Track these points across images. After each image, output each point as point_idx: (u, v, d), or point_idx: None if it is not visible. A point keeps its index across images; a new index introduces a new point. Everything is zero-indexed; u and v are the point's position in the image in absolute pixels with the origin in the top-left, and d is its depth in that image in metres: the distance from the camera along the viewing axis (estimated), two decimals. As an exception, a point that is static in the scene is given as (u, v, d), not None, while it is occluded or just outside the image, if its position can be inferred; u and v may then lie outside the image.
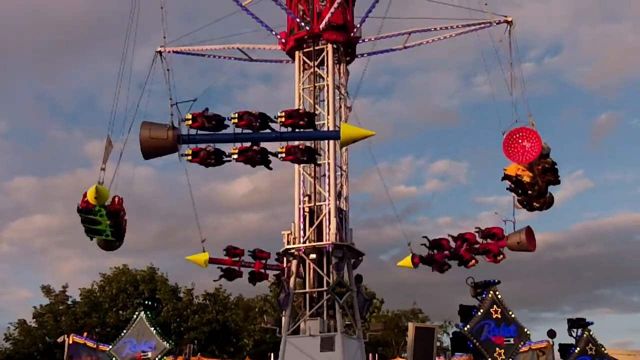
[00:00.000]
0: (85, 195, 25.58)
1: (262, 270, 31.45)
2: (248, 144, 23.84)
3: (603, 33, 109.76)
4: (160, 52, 31.23)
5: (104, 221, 26.19)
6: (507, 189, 26.74)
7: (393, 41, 32.71)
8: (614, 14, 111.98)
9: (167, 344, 31.73)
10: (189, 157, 24.26)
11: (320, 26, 30.71)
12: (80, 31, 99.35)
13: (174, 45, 31.99)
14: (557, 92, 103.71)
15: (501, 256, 30.27)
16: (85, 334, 35.90)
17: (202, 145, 24.22)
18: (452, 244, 30.43)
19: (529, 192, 26.31)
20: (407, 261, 30.16)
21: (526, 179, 25.89)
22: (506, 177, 26.26)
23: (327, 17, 30.59)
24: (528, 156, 24.40)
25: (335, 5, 30.56)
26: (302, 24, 30.97)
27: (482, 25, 30.72)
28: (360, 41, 32.09)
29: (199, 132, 23.64)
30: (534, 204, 26.70)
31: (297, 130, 23.67)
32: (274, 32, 31.75)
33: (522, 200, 26.93)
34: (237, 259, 31.31)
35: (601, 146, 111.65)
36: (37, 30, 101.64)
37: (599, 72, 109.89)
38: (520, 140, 24.19)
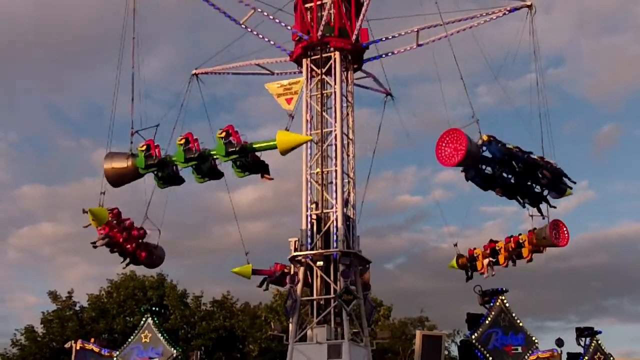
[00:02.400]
0: (234, 130, 27.44)
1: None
2: None
3: (605, 45, 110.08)
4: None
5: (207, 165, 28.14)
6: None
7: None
8: (616, 26, 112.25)
9: (174, 350, 31.75)
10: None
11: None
12: (88, 43, 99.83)
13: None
14: (560, 104, 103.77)
15: None
16: (92, 339, 35.84)
17: None
18: None
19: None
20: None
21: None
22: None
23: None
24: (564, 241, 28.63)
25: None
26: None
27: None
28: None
29: None
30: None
31: None
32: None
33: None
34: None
35: (604, 157, 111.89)
36: (46, 42, 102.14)
37: (601, 83, 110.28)
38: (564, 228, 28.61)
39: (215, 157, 28.17)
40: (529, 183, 27.18)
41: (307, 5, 31.87)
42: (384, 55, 32.77)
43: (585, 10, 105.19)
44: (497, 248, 30.15)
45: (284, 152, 26.62)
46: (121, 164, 28.79)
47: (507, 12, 30.58)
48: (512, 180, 26.89)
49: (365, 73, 33.81)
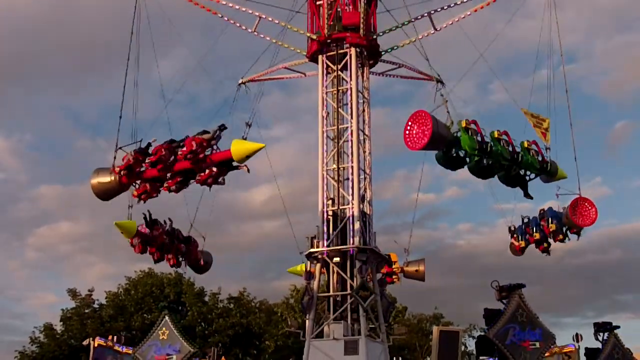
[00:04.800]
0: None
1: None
2: None
3: (618, 43, 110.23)
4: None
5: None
6: None
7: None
8: (629, 24, 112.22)
9: (192, 347, 31.87)
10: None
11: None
12: (103, 45, 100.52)
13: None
14: (573, 101, 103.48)
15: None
16: (110, 337, 36.09)
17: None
18: None
19: None
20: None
21: None
22: None
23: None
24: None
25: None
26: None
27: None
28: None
29: None
30: None
31: None
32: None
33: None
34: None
35: (618, 154, 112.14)
36: (62, 45, 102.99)
37: (614, 81, 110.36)
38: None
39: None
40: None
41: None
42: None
43: (598, 8, 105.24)
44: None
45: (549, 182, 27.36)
46: (443, 132, 25.66)
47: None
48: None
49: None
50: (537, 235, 29.97)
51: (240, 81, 34.35)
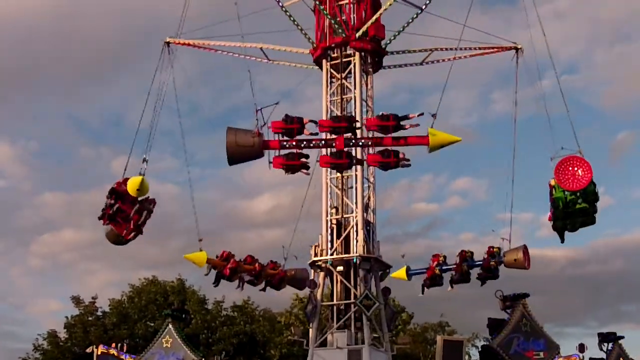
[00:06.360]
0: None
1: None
2: None
3: (618, 54, 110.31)
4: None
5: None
6: None
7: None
8: (629, 35, 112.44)
9: (196, 355, 31.85)
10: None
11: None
12: (107, 54, 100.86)
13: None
14: (574, 111, 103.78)
15: None
16: (113, 344, 36.06)
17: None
18: None
19: None
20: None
21: None
22: None
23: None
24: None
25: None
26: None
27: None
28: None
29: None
30: None
31: None
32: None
33: None
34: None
35: (620, 164, 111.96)
36: (66, 52, 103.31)
37: (615, 91, 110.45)
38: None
39: None
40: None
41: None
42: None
43: (598, 19, 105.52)
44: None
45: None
46: None
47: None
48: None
49: None
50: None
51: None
